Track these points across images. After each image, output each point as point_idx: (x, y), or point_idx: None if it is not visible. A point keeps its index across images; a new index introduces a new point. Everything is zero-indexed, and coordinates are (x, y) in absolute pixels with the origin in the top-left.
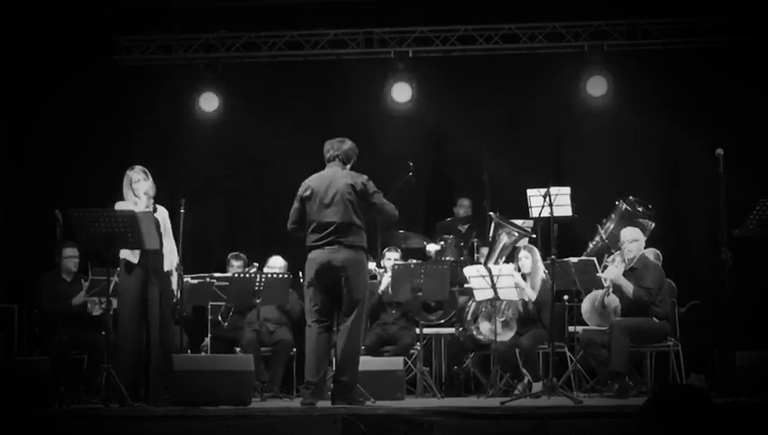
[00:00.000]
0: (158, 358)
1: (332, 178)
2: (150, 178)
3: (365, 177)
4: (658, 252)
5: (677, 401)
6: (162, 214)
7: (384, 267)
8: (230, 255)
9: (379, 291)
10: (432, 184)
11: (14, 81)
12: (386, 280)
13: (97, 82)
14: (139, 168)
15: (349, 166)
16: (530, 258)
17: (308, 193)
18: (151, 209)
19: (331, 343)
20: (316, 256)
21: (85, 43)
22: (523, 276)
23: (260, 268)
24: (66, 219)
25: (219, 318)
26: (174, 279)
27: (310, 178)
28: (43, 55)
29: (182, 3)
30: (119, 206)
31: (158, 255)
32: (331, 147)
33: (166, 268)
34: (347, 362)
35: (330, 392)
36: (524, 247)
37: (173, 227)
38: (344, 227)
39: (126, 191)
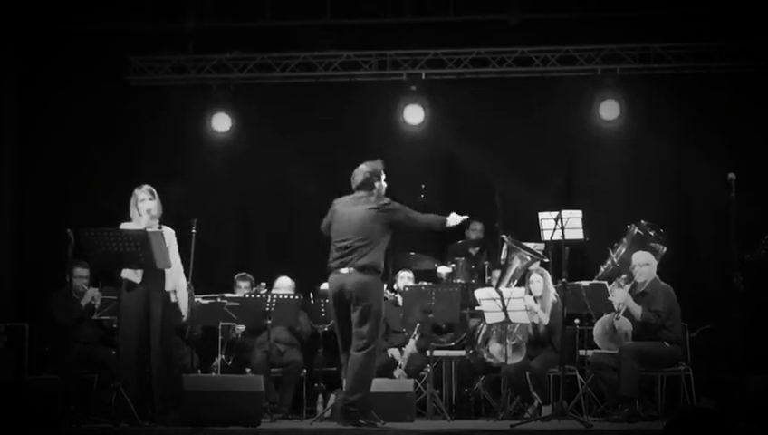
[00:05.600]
0: (162, 377)
1: (354, 203)
2: (157, 198)
3: (387, 199)
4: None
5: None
6: (168, 234)
7: (397, 291)
8: (237, 276)
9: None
10: (444, 206)
11: (27, 101)
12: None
13: (109, 102)
14: (146, 187)
15: (375, 189)
16: (541, 281)
17: (333, 209)
18: (155, 229)
19: None
20: (332, 280)
21: (98, 64)
22: (534, 299)
23: (268, 288)
24: (78, 238)
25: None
26: (183, 299)
27: (341, 198)
28: (57, 76)
29: (196, 24)
30: (124, 226)
31: (160, 274)
32: (354, 175)
33: (169, 288)
34: (358, 384)
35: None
36: (536, 271)
37: (184, 248)
38: (357, 249)
39: (132, 210)
